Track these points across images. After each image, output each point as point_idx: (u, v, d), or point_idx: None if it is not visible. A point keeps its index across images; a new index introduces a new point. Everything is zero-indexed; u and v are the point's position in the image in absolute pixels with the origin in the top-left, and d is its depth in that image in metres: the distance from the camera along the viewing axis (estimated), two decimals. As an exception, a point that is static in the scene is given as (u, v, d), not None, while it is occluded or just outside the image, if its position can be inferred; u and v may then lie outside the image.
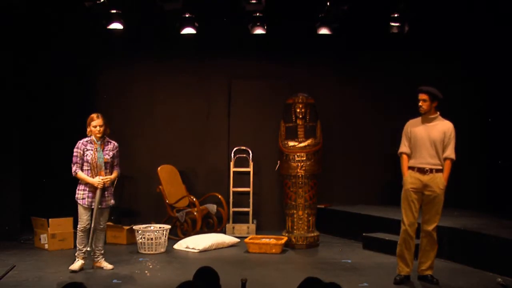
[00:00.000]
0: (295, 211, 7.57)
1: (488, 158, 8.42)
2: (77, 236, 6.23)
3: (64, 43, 8.48)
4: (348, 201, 8.76)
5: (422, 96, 5.59)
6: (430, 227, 5.60)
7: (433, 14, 7.86)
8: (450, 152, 5.57)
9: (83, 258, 6.22)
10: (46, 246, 7.32)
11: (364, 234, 7.50)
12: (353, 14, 7.48)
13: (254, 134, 8.82)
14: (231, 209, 8.53)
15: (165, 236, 7.24)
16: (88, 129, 6.14)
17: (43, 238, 7.35)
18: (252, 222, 8.43)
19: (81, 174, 6.11)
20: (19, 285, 5.61)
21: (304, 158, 7.53)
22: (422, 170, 5.57)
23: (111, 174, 6.24)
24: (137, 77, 9.05)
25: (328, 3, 7.27)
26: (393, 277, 5.74)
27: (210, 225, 8.44)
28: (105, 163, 6.15)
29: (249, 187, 8.59)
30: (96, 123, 6.10)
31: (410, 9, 7.54)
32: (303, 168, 7.51)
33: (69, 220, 7.34)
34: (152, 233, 7.14)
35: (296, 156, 7.54)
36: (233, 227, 8.34)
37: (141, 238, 7.14)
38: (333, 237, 8.23)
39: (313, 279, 3.42)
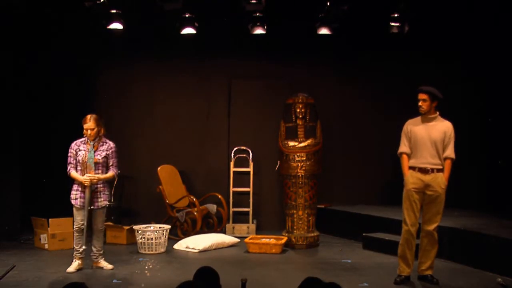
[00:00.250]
0: (295, 211, 7.57)
1: (488, 158, 8.42)
2: (74, 236, 6.25)
3: (64, 43, 8.48)
4: (348, 201, 8.76)
5: (422, 96, 5.59)
6: (431, 227, 5.60)
7: (433, 14, 7.85)
8: (450, 152, 5.57)
9: (79, 258, 6.22)
10: (46, 246, 7.32)
11: (364, 234, 7.50)
12: (353, 14, 7.47)
13: (254, 134, 8.82)
14: (231, 209, 8.53)
15: (165, 236, 7.24)
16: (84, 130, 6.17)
17: (43, 238, 7.35)
18: (252, 222, 8.43)
19: (74, 174, 6.12)
20: (19, 285, 5.61)
21: (304, 158, 7.53)
22: (423, 170, 5.57)
23: (104, 174, 6.18)
24: (137, 77, 9.05)
25: (328, 3, 7.27)
26: (393, 277, 5.74)
27: (210, 225, 8.44)
28: (96, 163, 6.10)
29: (249, 187, 8.59)
30: (87, 126, 6.10)
31: (410, 9, 7.54)
32: (303, 168, 7.51)
33: (69, 220, 7.31)
34: (152, 233, 7.14)
35: (296, 156, 7.54)
36: (233, 227, 8.34)
37: (141, 238, 7.14)
38: (333, 237, 8.23)
39: (313, 279, 3.43)
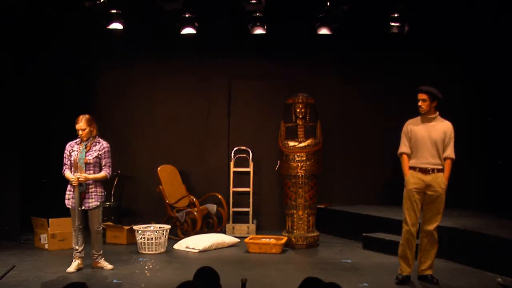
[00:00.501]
0: (295, 211, 7.57)
1: (488, 158, 8.42)
2: (72, 236, 6.26)
3: (64, 43, 8.48)
4: (348, 201, 8.76)
5: (422, 96, 5.59)
6: (431, 227, 5.60)
7: (433, 14, 7.85)
8: (450, 152, 5.58)
9: (79, 258, 6.23)
10: (46, 246, 7.33)
11: (364, 234, 7.50)
12: (353, 14, 7.47)
13: (254, 134, 8.82)
14: (231, 209, 8.53)
15: (165, 236, 7.24)
16: None
17: (43, 238, 7.35)
18: (252, 222, 8.43)
19: (67, 174, 6.13)
20: (19, 285, 5.61)
21: (304, 158, 7.53)
22: (424, 170, 5.57)
23: (94, 175, 6.13)
24: (137, 77, 9.06)
25: (328, 3, 7.27)
26: (393, 277, 5.75)
27: (210, 225, 8.44)
28: (86, 163, 6.07)
29: (249, 187, 8.59)
30: (78, 126, 6.10)
31: (410, 9, 7.54)
32: (303, 168, 7.51)
33: (69, 220, 7.19)
34: (152, 233, 7.14)
35: (296, 156, 7.54)
36: (233, 227, 8.34)
37: (141, 238, 7.14)
38: (333, 237, 8.23)
39: (313, 279, 3.43)
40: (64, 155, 6.19)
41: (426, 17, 7.89)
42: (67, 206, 6.17)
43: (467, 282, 5.76)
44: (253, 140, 8.78)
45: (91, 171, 6.12)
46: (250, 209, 8.53)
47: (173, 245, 7.47)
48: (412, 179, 5.61)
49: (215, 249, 7.40)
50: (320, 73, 8.93)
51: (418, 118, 5.70)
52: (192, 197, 8.21)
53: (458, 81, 8.42)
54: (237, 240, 7.75)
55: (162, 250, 7.19)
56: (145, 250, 7.12)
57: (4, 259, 6.68)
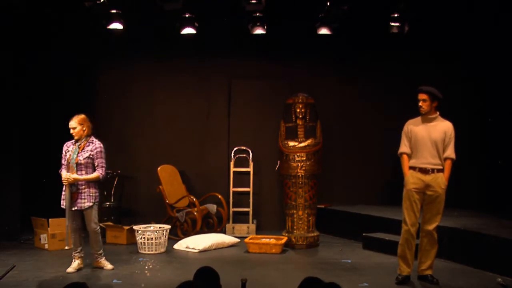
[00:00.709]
0: (295, 211, 7.57)
1: (488, 158, 8.42)
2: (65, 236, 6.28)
3: (64, 43, 8.48)
4: (348, 201, 8.76)
5: (422, 96, 5.59)
6: (431, 227, 5.60)
7: (433, 14, 7.85)
8: (451, 152, 5.58)
9: (79, 258, 6.23)
10: (46, 246, 7.33)
11: (364, 234, 7.50)
12: (353, 14, 7.47)
13: (254, 134, 8.82)
14: (231, 209, 8.53)
15: (165, 236, 7.24)
16: None
17: (43, 238, 7.35)
18: (252, 222, 8.43)
19: (62, 174, 6.11)
20: (19, 285, 5.61)
21: (304, 158, 7.53)
22: (424, 170, 5.57)
23: (86, 175, 6.06)
24: (137, 77, 9.06)
25: (328, 3, 7.27)
26: (393, 277, 5.75)
27: (210, 225, 8.44)
28: (77, 164, 6.03)
29: (249, 187, 8.59)
30: (69, 125, 6.10)
31: (410, 9, 7.54)
32: (303, 168, 7.51)
33: (69, 220, 7.33)
34: (152, 233, 7.14)
35: (296, 156, 7.54)
36: (233, 227, 8.34)
37: (141, 238, 7.14)
38: (333, 237, 8.23)
39: (313, 279, 3.43)
40: (62, 155, 6.19)
41: (426, 17, 7.89)
42: (61, 206, 6.16)
43: (467, 282, 5.76)
44: (253, 140, 8.78)
45: (83, 172, 6.06)
46: (250, 209, 8.53)
47: (173, 245, 7.47)
48: (411, 179, 5.61)
49: (215, 249, 7.40)
50: (320, 73, 8.93)
51: (419, 118, 5.70)
52: (192, 197, 8.21)
53: (458, 81, 8.42)
54: (237, 240, 7.75)
55: (162, 250, 7.19)
56: (145, 250, 7.12)
57: (4, 259, 6.68)
